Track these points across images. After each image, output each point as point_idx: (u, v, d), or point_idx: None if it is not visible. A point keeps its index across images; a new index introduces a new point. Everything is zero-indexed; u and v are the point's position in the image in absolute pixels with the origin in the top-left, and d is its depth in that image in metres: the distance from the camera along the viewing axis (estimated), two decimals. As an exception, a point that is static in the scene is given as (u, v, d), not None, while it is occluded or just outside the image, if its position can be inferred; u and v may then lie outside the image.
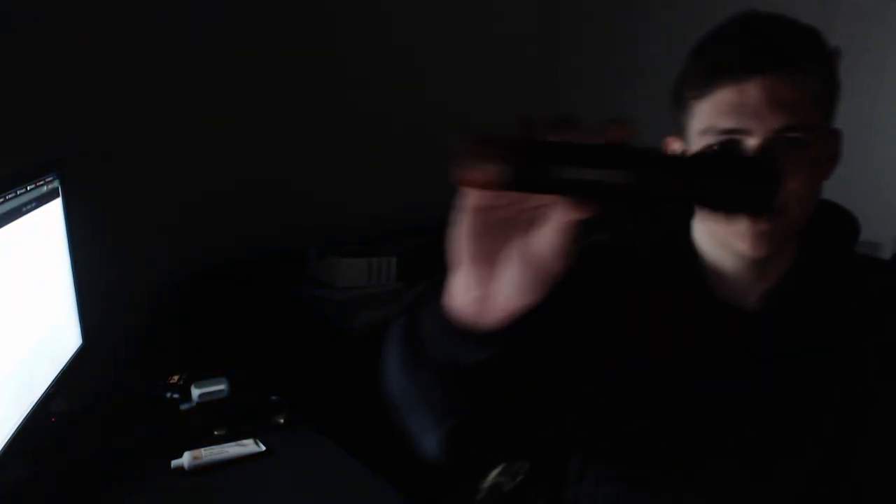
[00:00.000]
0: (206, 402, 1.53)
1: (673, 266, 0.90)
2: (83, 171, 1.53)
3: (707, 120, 0.81)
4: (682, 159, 0.48)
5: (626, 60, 2.75)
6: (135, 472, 1.31)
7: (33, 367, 1.24)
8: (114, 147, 1.85)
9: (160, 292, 2.01)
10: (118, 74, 1.86)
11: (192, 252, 2.07)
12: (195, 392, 1.53)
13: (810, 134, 0.79)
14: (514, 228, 0.53)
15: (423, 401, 0.65)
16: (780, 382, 0.85)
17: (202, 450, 1.35)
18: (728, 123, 0.79)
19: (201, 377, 1.57)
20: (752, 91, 0.78)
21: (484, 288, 0.55)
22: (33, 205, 1.22)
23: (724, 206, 0.48)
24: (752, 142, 0.78)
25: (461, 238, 0.54)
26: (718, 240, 0.86)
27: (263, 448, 1.38)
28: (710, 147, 0.81)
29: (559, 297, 0.55)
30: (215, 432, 1.43)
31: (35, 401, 1.22)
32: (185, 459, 1.32)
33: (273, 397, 1.55)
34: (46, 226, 1.29)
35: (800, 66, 0.78)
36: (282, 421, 1.49)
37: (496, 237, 0.53)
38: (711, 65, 0.80)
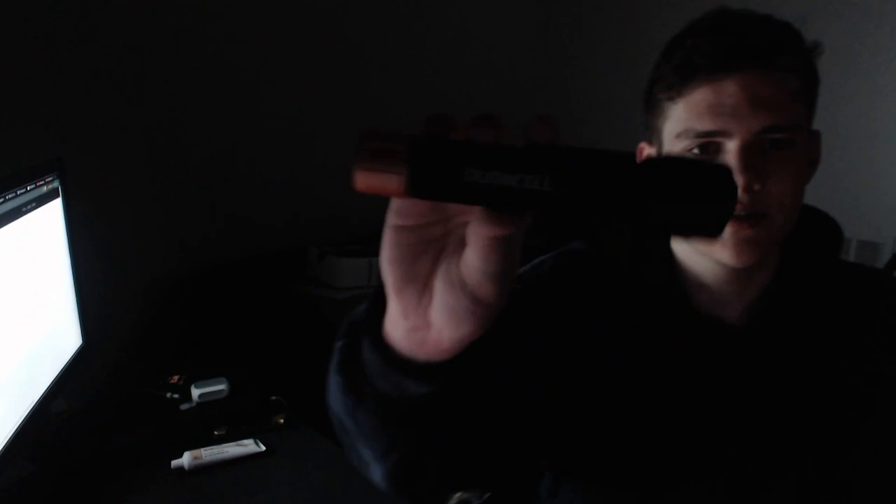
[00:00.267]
0: (206, 402, 1.53)
1: (650, 276, 0.84)
2: (83, 171, 1.53)
3: (682, 122, 0.76)
4: (614, 162, 0.39)
5: (625, 60, 2.75)
6: (135, 472, 1.31)
7: (33, 367, 1.24)
8: (114, 147, 1.86)
9: (160, 292, 2.01)
10: (118, 74, 1.86)
11: (193, 252, 2.07)
12: (195, 392, 1.53)
13: (794, 133, 0.75)
14: (442, 250, 0.45)
15: (364, 435, 0.57)
16: (764, 401, 0.81)
17: (202, 450, 1.35)
18: (705, 126, 0.74)
19: (201, 377, 1.57)
20: (729, 89, 0.73)
21: (415, 319, 0.46)
22: (33, 205, 1.22)
23: (664, 226, 0.39)
24: (731, 144, 0.74)
25: (383, 263, 0.46)
26: (698, 248, 0.80)
27: (263, 448, 1.38)
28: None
29: (520, 316, 0.47)
30: (215, 432, 1.43)
31: (35, 401, 1.22)
32: (185, 459, 1.32)
33: (273, 397, 1.56)
34: (46, 226, 1.29)
35: (779, 62, 0.74)
36: (282, 421, 1.49)
37: (422, 261, 0.45)
38: (685, 63, 0.75)
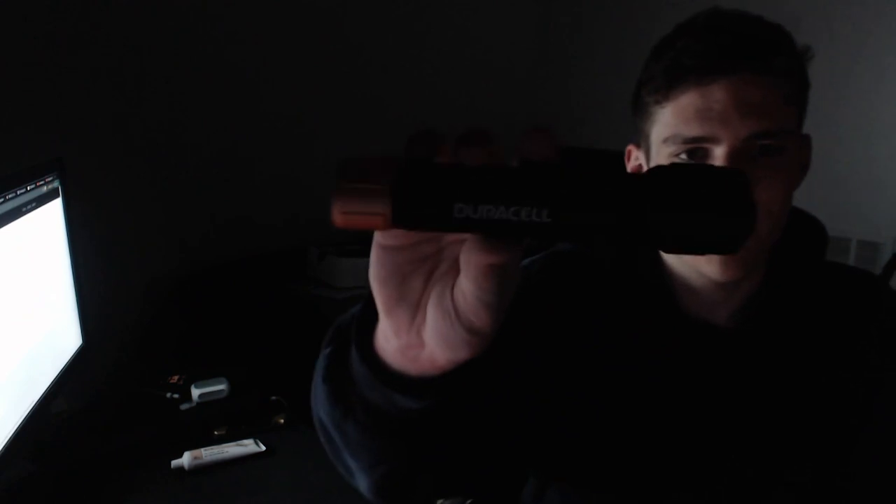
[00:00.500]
0: (206, 402, 1.53)
1: (639, 280, 0.83)
2: (83, 171, 1.53)
3: (670, 127, 0.74)
4: (616, 186, 0.36)
5: (625, 60, 2.75)
6: (135, 472, 1.32)
7: (33, 367, 1.24)
8: (114, 147, 1.86)
9: (160, 292, 2.01)
10: (118, 74, 1.86)
11: (193, 252, 2.07)
12: (195, 392, 1.53)
13: (784, 139, 0.73)
14: (435, 268, 0.42)
15: (350, 446, 0.55)
16: (760, 406, 0.80)
17: (202, 450, 1.35)
18: (693, 131, 0.72)
19: (201, 377, 1.58)
20: (717, 94, 0.71)
21: (407, 338, 0.44)
22: (33, 205, 1.22)
23: (679, 248, 0.37)
24: (719, 150, 0.72)
25: (372, 281, 0.43)
26: (684, 259, 0.79)
27: (263, 448, 1.38)
28: (662, 164, 0.73)
29: (510, 321, 0.44)
30: (215, 432, 1.43)
31: (35, 401, 1.22)
32: (185, 459, 1.32)
33: (273, 397, 1.56)
34: (46, 226, 1.29)
35: (769, 65, 0.72)
36: (282, 421, 1.49)
37: (414, 280, 0.42)
38: (674, 65, 0.73)
